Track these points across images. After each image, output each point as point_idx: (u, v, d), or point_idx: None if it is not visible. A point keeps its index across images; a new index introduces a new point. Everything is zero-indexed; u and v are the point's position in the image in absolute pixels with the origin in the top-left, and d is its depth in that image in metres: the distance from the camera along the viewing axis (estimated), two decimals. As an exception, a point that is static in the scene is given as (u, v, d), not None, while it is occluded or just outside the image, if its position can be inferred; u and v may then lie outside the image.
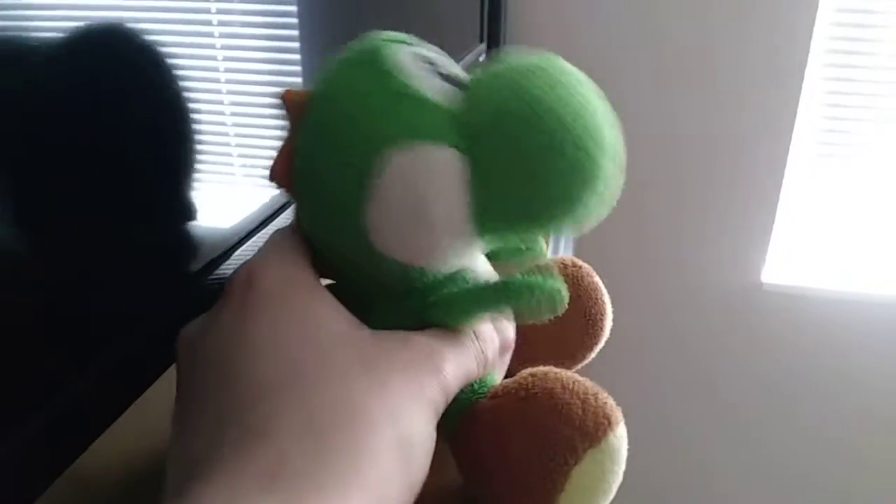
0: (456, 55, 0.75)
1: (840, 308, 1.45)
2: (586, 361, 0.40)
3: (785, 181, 1.39)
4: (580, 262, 0.40)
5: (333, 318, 0.25)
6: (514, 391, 0.30)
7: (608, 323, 0.40)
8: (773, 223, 1.42)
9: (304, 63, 0.44)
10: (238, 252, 0.35)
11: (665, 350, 1.55)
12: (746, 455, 1.66)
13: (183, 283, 0.32)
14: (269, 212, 0.40)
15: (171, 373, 0.28)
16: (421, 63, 0.28)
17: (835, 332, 1.48)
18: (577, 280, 0.40)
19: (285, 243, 0.28)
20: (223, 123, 0.39)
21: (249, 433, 0.21)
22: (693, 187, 1.41)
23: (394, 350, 0.25)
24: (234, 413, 0.22)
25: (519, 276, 0.27)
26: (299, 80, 0.44)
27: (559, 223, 0.27)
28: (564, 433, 0.27)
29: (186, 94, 0.32)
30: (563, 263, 0.40)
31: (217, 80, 0.38)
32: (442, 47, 0.30)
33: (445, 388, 0.26)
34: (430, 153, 0.26)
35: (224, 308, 0.26)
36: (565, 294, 0.26)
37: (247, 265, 0.27)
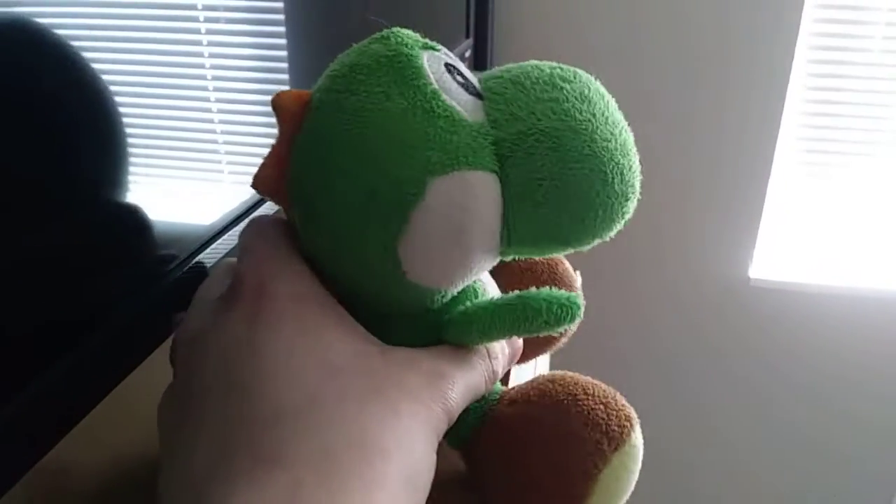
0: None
1: (827, 302, 1.47)
2: (558, 346, 0.39)
3: (771, 179, 1.40)
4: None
5: (346, 337, 0.24)
6: (536, 399, 0.29)
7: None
8: (759, 220, 1.43)
9: (290, 59, 0.44)
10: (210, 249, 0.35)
11: (655, 345, 1.56)
12: (735, 448, 1.67)
13: (154, 277, 0.31)
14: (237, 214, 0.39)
15: (146, 365, 0.28)
16: (445, 72, 0.26)
17: (822, 326, 1.49)
18: (552, 268, 0.40)
19: (286, 247, 0.26)
20: (211, 121, 0.39)
21: (262, 461, 0.20)
22: (681, 186, 1.42)
23: (404, 374, 0.24)
24: (244, 436, 0.21)
25: (534, 291, 0.26)
26: (285, 76, 0.44)
27: (585, 245, 0.26)
28: (593, 438, 0.27)
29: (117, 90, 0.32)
30: None
31: (204, 77, 0.38)
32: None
33: (450, 413, 0.25)
34: (469, 179, 0.24)
35: (233, 312, 0.24)
36: (582, 305, 0.26)
37: (256, 269, 0.25)
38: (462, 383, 0.26)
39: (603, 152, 0.24)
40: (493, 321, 0.26)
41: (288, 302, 0.24)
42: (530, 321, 0.25)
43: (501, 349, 0.29)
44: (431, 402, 0.24)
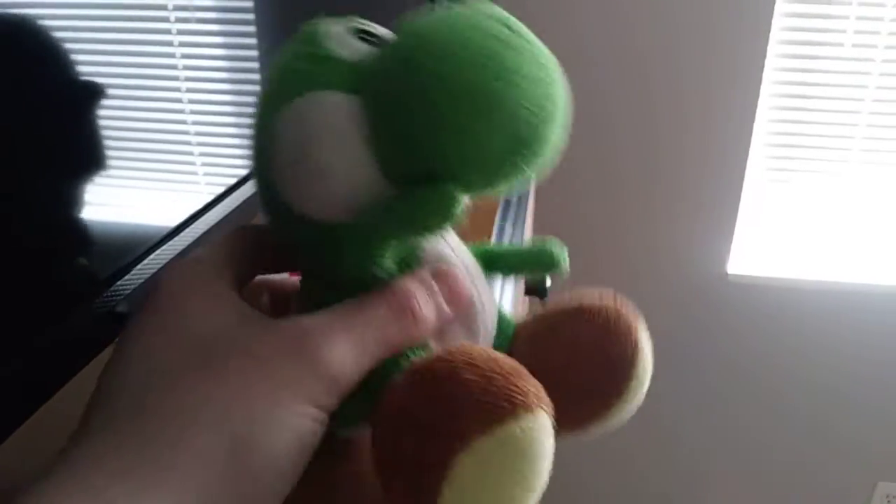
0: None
1: (799, 296, 1.50)
2: (617, 415, 0.30)
3: (746, 178, 1.43)
4: (619, 301, 0.32)
5: (212, 318, 0.23)
6: (427, 358, 0.24)
7: (640, 370, 0.30)
8: (735, 219, 1.46)
9: (260, 48, 0.44)
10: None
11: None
12: (713, 436, 1.68)
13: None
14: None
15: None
16: (351, 32, 0.27)
17: (794, 318, 1.53)
18: (614, 319, 0.31)
19: (223, 240, 0.27)
20: (183, 122, 0.40)
21: (86, 430, 0.21)
22: (662, 185, 1.44)
23: (256, 343, 0.23)
24: (86, 413, 0.22)
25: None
26: (256, 64, 0.44)
27: (460, 161, 0.24)
28: (454, 410, 0.22)
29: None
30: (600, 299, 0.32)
31: (176, 78, 0.38)
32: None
33: (330, 374, 0.22)
34: (318, 99, 0.25)
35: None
36: (460, 200, 0.24)
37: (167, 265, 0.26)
38: (346, 336, 0.23)
39: (450, 51, 0.23)
40: (375, 225, 0.25)
41: (172, 290, 0.24)
42: (410, 212, 0.24)
43: (422, 284, 0.25)
44: (288, 370, 0.22)
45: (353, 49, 0.26)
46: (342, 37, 0.26)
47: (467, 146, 0.24)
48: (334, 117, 0.25)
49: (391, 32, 0.27)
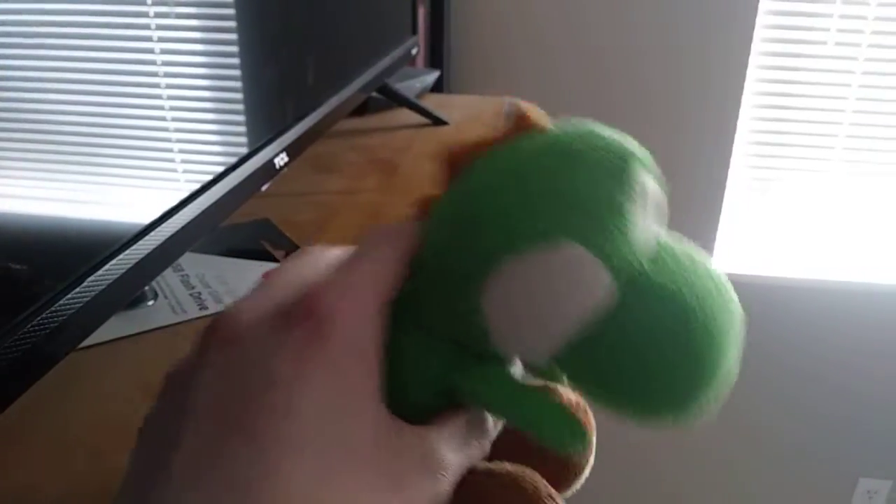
0: (389, 48, 0.73)
1: (782, 294, 1.52)
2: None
3: (729, 177, 1.44)
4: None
5: (370, 417, 0.22)
6: (493, 472, 0.26)
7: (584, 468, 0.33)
8: (719, 217, 1.48)
9: (241, 54, 0.44)
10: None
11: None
12: (695, 432, 1.69)
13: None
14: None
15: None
16: (653, 206, 0.25)
17: (777, 317, 1.54)
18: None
19: (376, 271, 0.23)
20: (163, 119, 0.39)
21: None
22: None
23: (404, 465, 0.22)
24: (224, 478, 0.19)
25: (558, 400, 0.25)
26: (236, 59, 0.44)
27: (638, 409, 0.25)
28: None
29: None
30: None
31: (155, 74, 0.38)
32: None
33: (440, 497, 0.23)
34: (597, 269, 0.22)
35: (284, 338, 0.21)
36: (586, 446, 0.25)
37: (322, 290, 0.22)
38: (458, 468, 0.24)
39: (714, 344, 0.24)
40: (507, 410, 0.25)
41: (342, 356, 0.21)
42: (540, 429, 0.24)
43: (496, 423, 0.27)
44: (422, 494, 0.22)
45: (644, 230, 0.24)
46: (646, 204, 0.24)
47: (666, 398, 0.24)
48: (597, 298, 0.22)
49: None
